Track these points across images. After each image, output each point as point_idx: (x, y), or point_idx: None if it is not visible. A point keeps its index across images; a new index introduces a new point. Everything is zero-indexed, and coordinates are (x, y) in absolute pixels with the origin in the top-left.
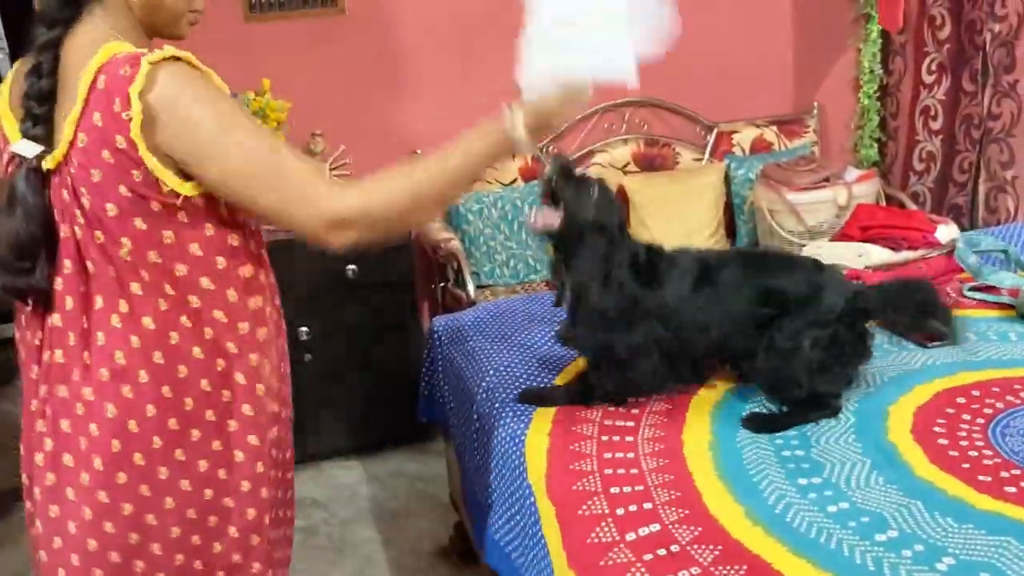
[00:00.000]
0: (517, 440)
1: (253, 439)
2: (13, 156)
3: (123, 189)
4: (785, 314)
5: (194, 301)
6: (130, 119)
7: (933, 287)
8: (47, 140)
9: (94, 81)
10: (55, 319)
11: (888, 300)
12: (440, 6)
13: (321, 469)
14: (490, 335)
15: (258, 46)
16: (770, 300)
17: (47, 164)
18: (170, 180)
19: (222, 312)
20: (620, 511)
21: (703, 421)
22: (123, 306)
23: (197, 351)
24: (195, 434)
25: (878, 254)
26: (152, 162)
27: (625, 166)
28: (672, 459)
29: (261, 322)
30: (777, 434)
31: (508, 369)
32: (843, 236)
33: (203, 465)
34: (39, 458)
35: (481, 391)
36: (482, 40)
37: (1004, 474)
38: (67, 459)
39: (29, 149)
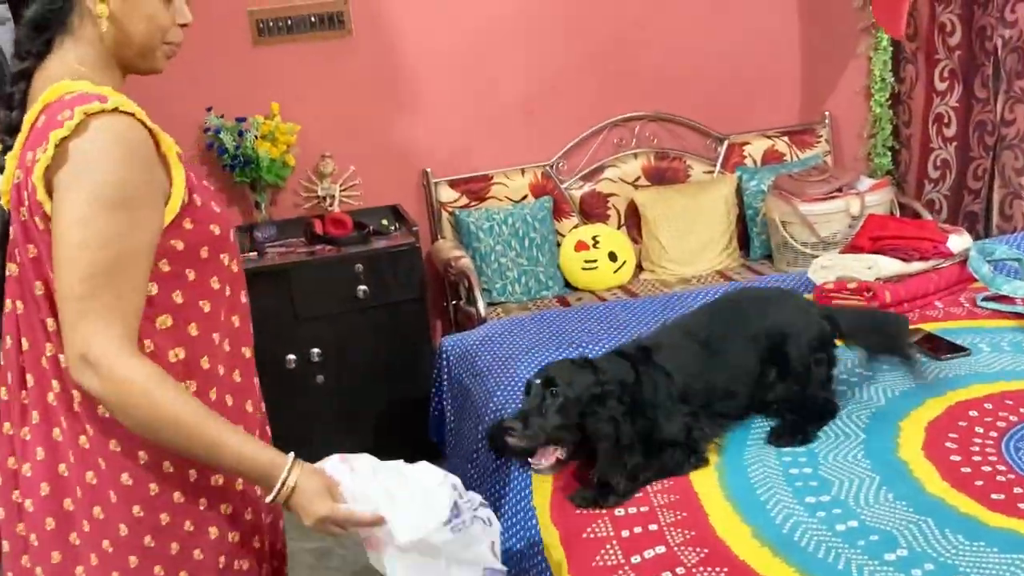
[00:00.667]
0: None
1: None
2: None
3: (35, 232)
4: (786, 347)
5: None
6: (38, 161)
7: (905, 326)
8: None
9: (36, 119)
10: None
11: (860, 326)
12: (446, 26)
13: None
14: (498, 354)
15: (267, 70)
16: (770, 338)
17: (2, 199)
18: None
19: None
20: (625, 533)
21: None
22: (49, 349)
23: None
24: (127, 477)
25: (888, 265)
26: (49, 206)
27: (636, 180)
28: (677, 480)
29: (186, 375)
30: (784, 451)
31: (516, 388)
32: (853, 247)
33: (123, 529)
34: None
35: (489, 412)
36: (488, 59)
37: (1018, 490)
38: (15, 495)
39: None
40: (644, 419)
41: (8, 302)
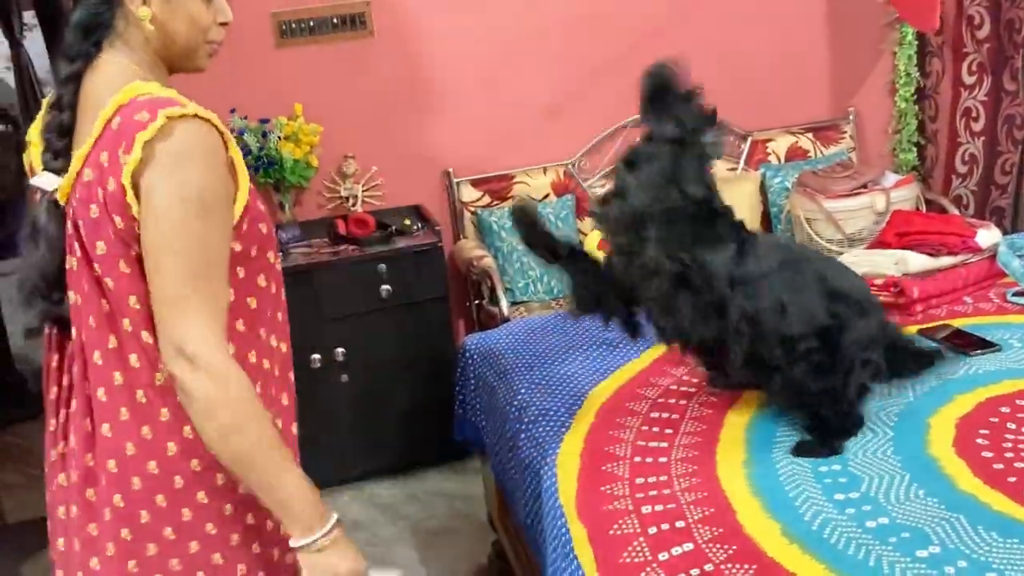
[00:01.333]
0: (548, 460)
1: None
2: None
3: (110, 231)
4: (843, 334)
5: None
6: (125, 163)
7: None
8: (66, 173)
9: (110, 120)
10: (69, 346)
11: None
12: (467, 26)
13: (362, 490)
14: (522, 352)
15: (289, 71)
16: (838, 314)
17: (60, 198)
18: None
19: None
20: (652, 530)
21: (737, 439)
22: (112, 341)
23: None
24: (178, 481)
25: (916, 261)
26: (136, 208)
27: None
28: (706, 477)
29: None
30: (804, 457)
31: (540, 386)
32: (879, 243)
33: (186, 514)
34: (57, 482)
35: (513, 409)
36: (509, 58)
37: None
38: (90, 493)
39: (48, 182)
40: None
41: (71, 294)
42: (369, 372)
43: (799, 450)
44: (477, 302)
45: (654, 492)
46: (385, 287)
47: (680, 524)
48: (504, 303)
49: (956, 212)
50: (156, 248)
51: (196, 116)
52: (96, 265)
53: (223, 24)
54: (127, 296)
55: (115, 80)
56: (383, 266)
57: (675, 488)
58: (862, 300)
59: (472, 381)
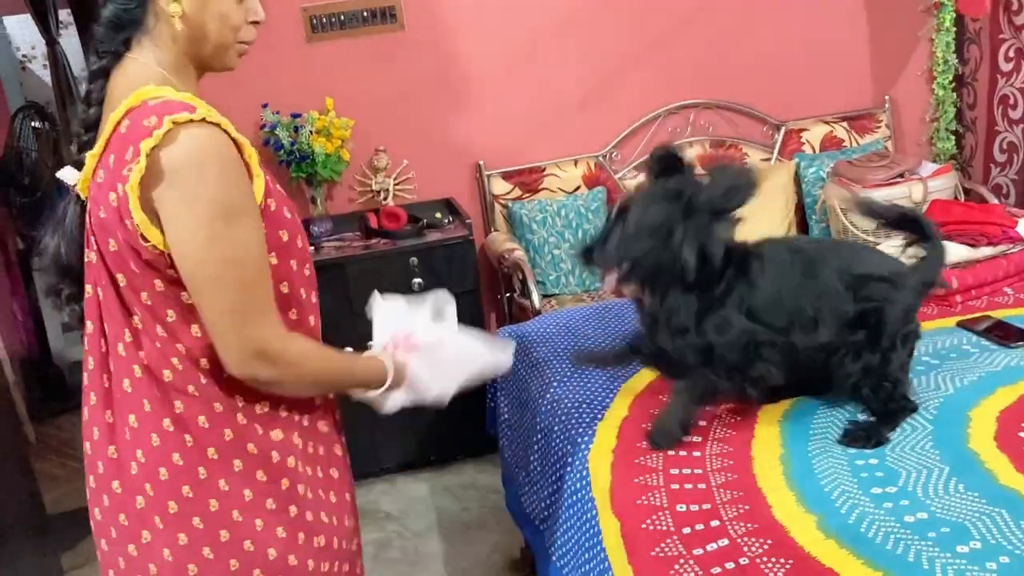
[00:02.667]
0: (581, 453)
1: (260, 475)
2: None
3: (119, 233)
4: (884, 310)
5: (181, 349)
6: (130, 172)
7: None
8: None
9: (119, 123)
10: (84, 341)
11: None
12: (497, 18)
13: (394, 482)
14: (554, 345)
15: (320, 65)
16: (871, 296)
17: (81, 193)
18: (154, 238)
19: (207, 360)
20: (687, 530)
21: (772, 432)
22: (127, 335)
23: (192, 389)
24: (201, 472)
25: (955, 251)
26: (140, 217)
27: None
28: (741, 472)
29: None
30: (853, 446)
31: (573, 379)
32: None
33: (213, 504)
34: (91, 479)
35: (545, 403)
36: (540, 50)
37: None
38: (115, 485)
39: (70, 175)
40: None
41: (88, 287)
42: None
43: (847, 438)
44: (508, 295)
45: (689, 486)
46: (417, 280)
47: (715, 523)
48: (536, 296)
49: (996, 201)
50: (197, 266)
51: (204, 121)
52: (108, 261)
53: (254, 23)
54: (139, 292)
55: (137, 80)
56: (414, 259)
57: (710, 482)
58: (888, 275)
59: (504, 374)
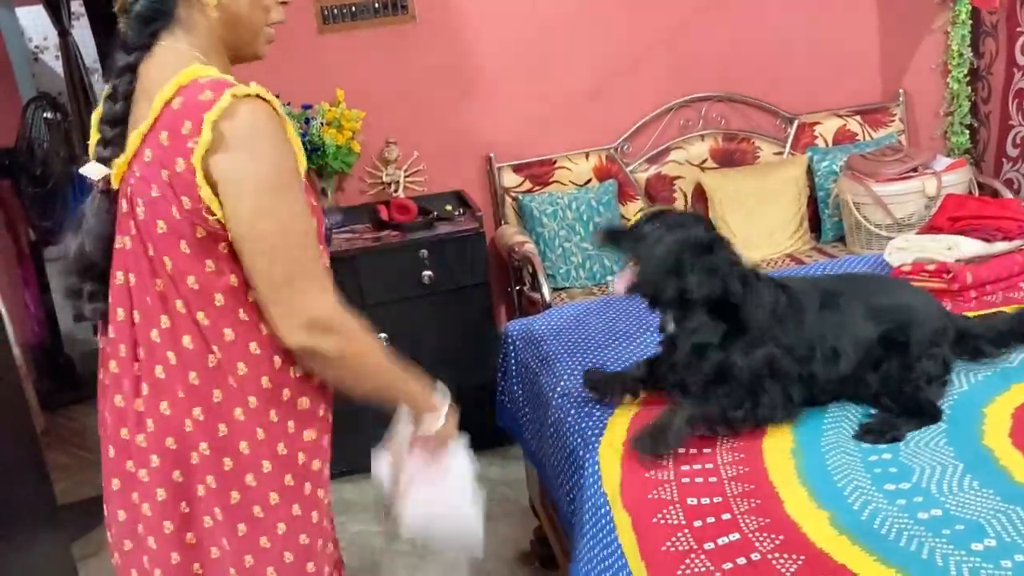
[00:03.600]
0: (591, 448)
1: (288, 479)
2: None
3: (174, 210)
4: (910, 330)
5: (228, 334)
6: (195, 145)
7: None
8: (116, 160)
9: (170, 100)
10: (110, 330)
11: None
12: (508, 10)
13: None
14: (565, 338)
15: (331, 57)
16: (896, 315)
17: (113, 181)
18: (219, 210)
19: (256, 343)
20: (698, 523)
21: (784, 428)
22: (164, 321)
23: (231, 380)
24: (227, 463)
25: (969, 246)
26: (206, 191)
27: (703, 162)
28: (752, 466)
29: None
30: (865, 442)
31: (583, 373)
32: (931, 228)
33: (235, 496)
34: (106, 466)
35: (556, 396)
36: (552, 42)
37: None
38: (129, 465)
39: (95, 171)
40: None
41: (119, 275)
42: (411, 358)
43: (863, 433)
44: (518, 288)
45: (700, 480)
46: (427, 273)
47: (726, 516)
48: (546, 289)
49: (1009, 196)
50: (253, 237)
51: (259, 96)
52: (151, 245)
53: (283, 3)
54: (185, 276)
55: (172, 64)
56: (425, 252)
57: (721, 476)
58: (910, 306)
59: (514, 367)
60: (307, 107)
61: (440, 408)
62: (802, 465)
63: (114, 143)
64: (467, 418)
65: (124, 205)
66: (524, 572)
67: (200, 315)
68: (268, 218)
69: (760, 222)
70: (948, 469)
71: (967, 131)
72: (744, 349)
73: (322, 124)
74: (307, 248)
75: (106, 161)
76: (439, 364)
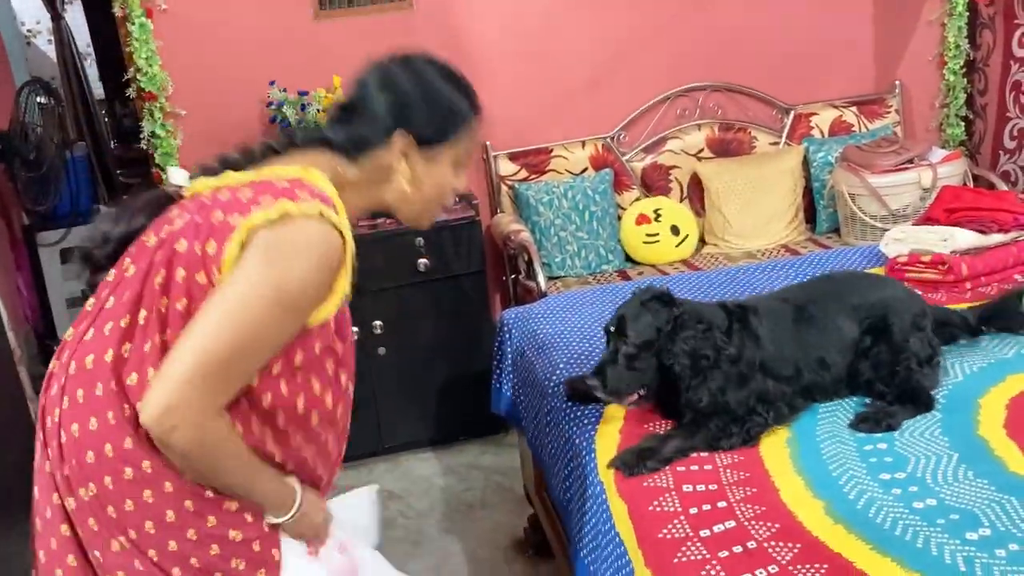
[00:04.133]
0: (587, 436)
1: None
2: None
3: (191, 277)
4: (888, 318)
5: None
6: (230, 240)
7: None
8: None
9: (251, 183)
10: (68, 332)
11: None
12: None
13: (397, 462)
14: (560, 327)
15: (328, 43)
16: (873, 310)
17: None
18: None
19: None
20: (693, 510)
21: None
22: (110, 355)
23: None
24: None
25: (964, 238)
26: (219, 278)
27: (699, 152)
28: (748, 455)
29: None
30: (860, 431)
31: (580, 361)
32: (927, 219)
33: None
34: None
35: (552, 384)
36: (550, 32)
37: None
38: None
39: (179, 177)
40: (718, 372)
41: (131, 267)
42: (406, 345)
43: (858, 422)
44: (514, 276)
45: (695, 467)
46: (422, 260)
47: (722, 504)
48: (541, 278)
49: (1006, 188)
50: (211, 309)
51: (321, 216)
52: (154, 283)
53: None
54: (159, 333)
55: (304, 163)
56: (420, 240)
57: (716, 464)
58: (887, 299)
59: (510, 355)
60: (303, 93)
61: (293, 507)
62: (798, 454)
63: (213, 173)
64: (461, 406)
65: (158, 235)
66: (518, 560)
67: (134, 377)
68: (243, 313)
69: (756, 212)
70: (943, 459)
71: (963, 123)
72: (734, 388)
73: (318, 111)
74: (241, 362)
75: (194, 175)
76: (434, 352)
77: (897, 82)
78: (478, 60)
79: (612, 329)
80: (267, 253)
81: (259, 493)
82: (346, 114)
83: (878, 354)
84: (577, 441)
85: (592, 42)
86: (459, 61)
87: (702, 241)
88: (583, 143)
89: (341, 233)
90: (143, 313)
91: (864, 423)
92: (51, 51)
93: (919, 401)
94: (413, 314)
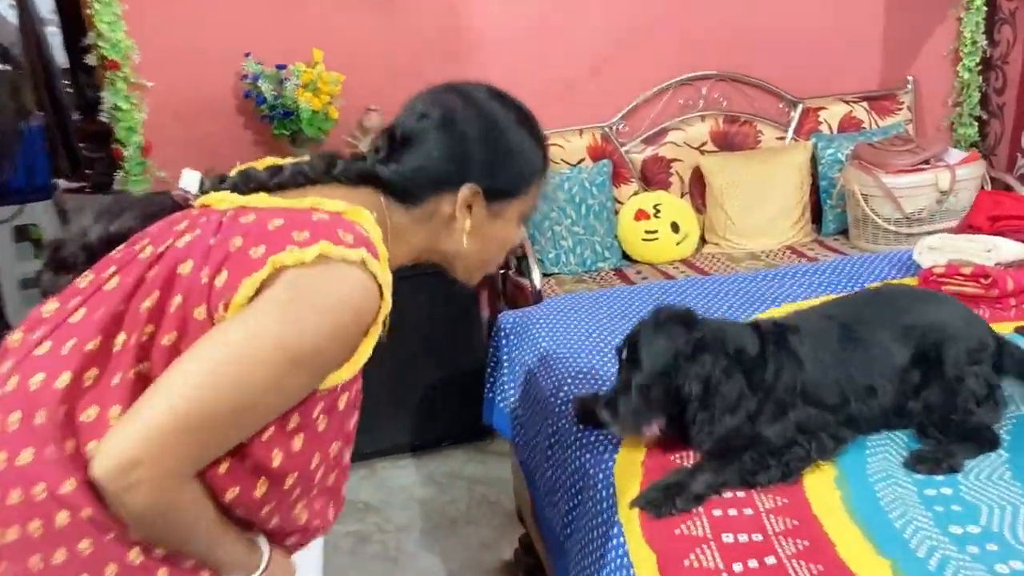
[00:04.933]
0: (603, 466)
1: None
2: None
3: (188, 307)
4: (943, 348)
5: (91, 448)
6: (250, 276)
7: None
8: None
9: (282, 211)
10: (14, 337)
11: None
12: None
13: (374, 469)
14: (565, 335)
15: (310, 13)
16: (927, 335)
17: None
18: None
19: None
20: (738, 567)
21: None
22: (64, 379)
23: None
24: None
25: (1010, 249)
26: (233, 312)
27: (702, 145)
28: (792, 496)
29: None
30: (919, 472)
31: (589, 376)
32: (967, 227)
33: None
34: None
35: (558, 402)
36: (549, 14)
37: None
38: None
39: (191, 181)
40: (748, 403)
41: (115, 278)
42: (387, 343)
43: (915, 462)
44: (503, 272)
45: (733, 511)
46: None
47: (771, 560)
48: (536, 275)
49: None
50: (203, 354)
51: (363, 266)
52: (140, 305)
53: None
54: (133, 366)
55: (341, 198)
56: None
57: (757, 508)
58: (942, 323)
59: (506, 364)
60: (281, 67)
61: (256, 572)
62: (850, 498)
63: (237, 188)
64: (444, 410)
65: (159, 247)
66: None
67: (92, 411)
68: (241, 367)
69: (760, 210)
70: (1020, 510)
71: (975, 123)
72: (770, 419)
73: (297, 86)
74: (229, 435)
75: (208, 187)
76: (416, 351)
77: (910, 78)
78: (471, 39)
79: (624, 356)
80: (292, 304)
81: (219, 558)
82: (398, 149)
83: (929, 396)
84: (591, 471)
85: (595, 26)
86: (451, 39)
87: (703, 240)
88: (581, 131)
89: (380, 288)
90: (121, 338)
91: (922, 464)
92: (12, 16)
93: (982, 439)
94: (395, 311)
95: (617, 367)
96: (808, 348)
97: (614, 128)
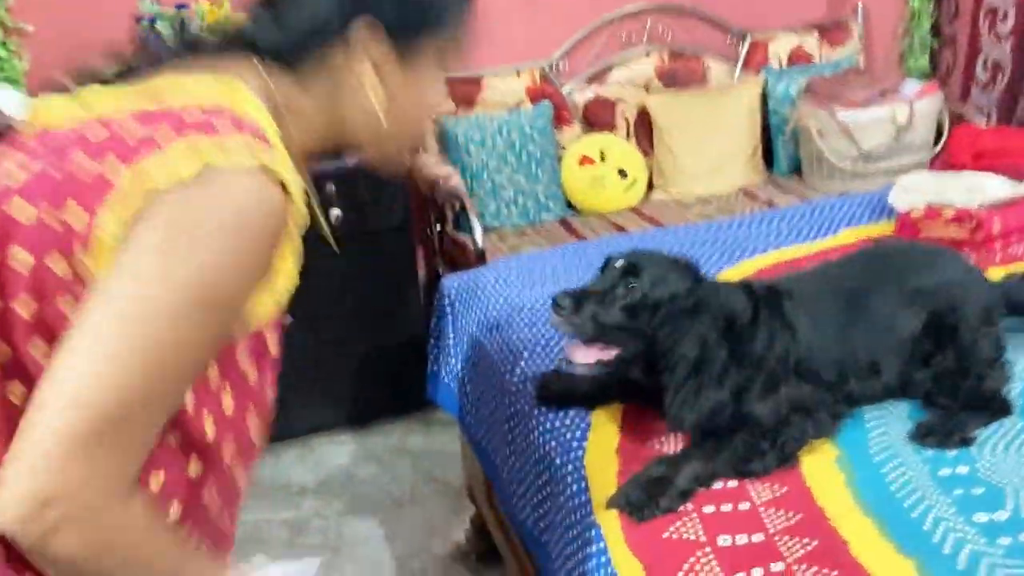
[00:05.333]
0: (572, 455)
1: None
2: None
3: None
4: (958, 312)
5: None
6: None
7: None
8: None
9: (138, 112)
10: None
11: None
12: None
13: (310, 447)
14: (517, 303)
15: None
16: (936, 298)
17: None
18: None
19: None
20: (741, 575)
21: None
22: None
23: None
24: None
25: (995, 187)
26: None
27: (647, 83)
28: (791, 483)
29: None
30: (927, 446)
31: (549, 349)
32: (947, 164)
33: None
34: None
35: (515, 380)
36: None
37: None
38: None
39: (8, 100)
40: (736, 376)
41: None
42: (317, 311)
43: (921, 435)
44: (440, 228)
45: (727, 506)
46: (335, 211)
47: (777, 566)
48: (478, 231)
49: (982, 124)
50: (97, 334)
51: (262, 169)
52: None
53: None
54: (30, 338)
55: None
56: (332, 187)
57: (753, 500)
58: (956, 283)
59: (451, 335)
60: (182, 7)
61: None
62: (855, 482)
63: (59, 89)
64: (383, 381)
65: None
66: (459, 569)
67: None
68: (139, 336)
69: (709, 151)
70: None
71: (928, 53)
72: (761, 394)
73: (202, 28)
74: (159, 400)
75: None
76: (349, 318)
77: (859, 5)
78: None
79: (618, 265)
80: (178, 237)
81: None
82: (274, 5)
83: (942, 362)
84: (557, 461)
85: None
86: None
87: (650, 185)
88: (518, 72)
89: (282, 186)
90: None
91: (930, 436)
92: None
93: (994, 406)
94: (324, 275)
95: (599, 272)
96: (804, 317)
97: (553, 67)
